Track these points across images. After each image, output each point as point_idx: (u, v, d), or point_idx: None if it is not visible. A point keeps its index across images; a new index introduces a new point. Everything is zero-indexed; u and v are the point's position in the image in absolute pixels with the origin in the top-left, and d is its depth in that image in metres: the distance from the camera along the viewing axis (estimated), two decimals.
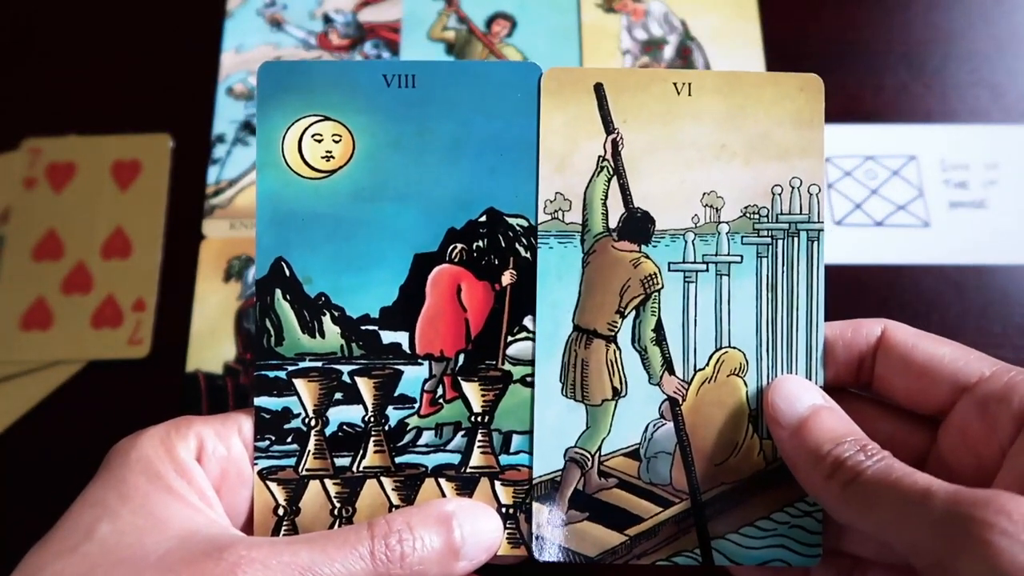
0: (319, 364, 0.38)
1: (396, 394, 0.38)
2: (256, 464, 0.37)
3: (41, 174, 0.56)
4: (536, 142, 0.37)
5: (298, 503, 0.37)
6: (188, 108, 0.57)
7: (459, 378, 0.38)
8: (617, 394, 0.37)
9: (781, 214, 0.37)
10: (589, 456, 0.37)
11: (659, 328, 0.37)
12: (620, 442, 0.37)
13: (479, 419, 0.37)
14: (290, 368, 0.38)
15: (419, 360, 0.38)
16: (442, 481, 0.37)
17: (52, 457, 0.50)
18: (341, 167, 0.37)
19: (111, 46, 0.60)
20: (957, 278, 0.52)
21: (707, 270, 0.37)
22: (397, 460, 0.37)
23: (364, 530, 0.33)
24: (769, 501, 0.37)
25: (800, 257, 0.37)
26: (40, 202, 0.56)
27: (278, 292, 0.38)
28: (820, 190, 0.37)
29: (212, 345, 0.51)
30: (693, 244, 0.37)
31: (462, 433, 0.38)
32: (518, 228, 0.38)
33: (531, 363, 0.37)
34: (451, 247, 0.37)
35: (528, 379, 0.37)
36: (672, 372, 0.37)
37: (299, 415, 0.37)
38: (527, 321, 0.37)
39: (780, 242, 0.37)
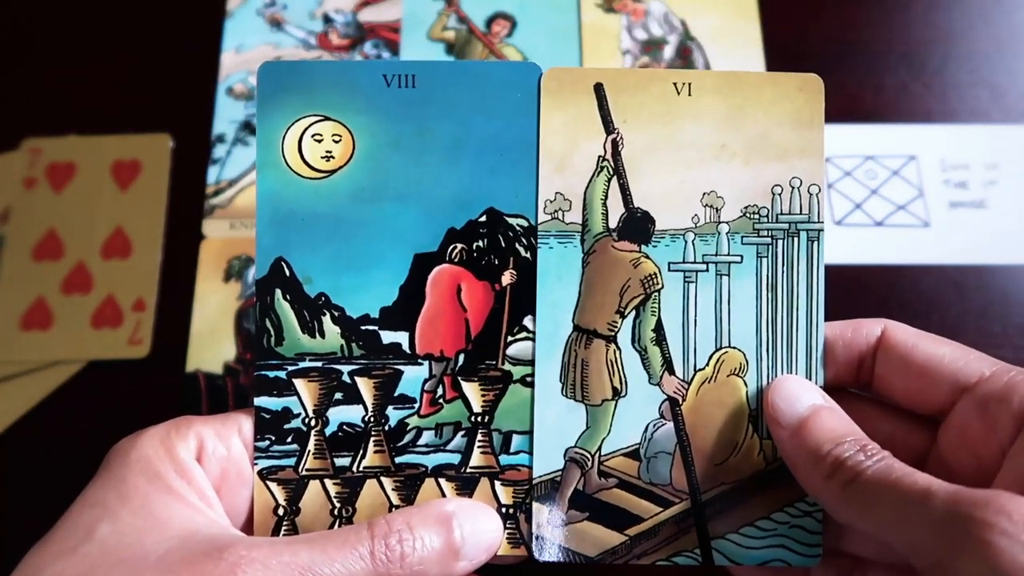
0: (319, 364, 0.38)
1: (396, 394, 0.38)
2: (256, 464, 0.37)
3: (41, 174, 0.56)
4: (536, 142, 0.37)
5: (298, 503, 0.37)
6: (188, 108, 0.57)
7: (459, 378, 0.38)
8: (617, 394, 0.37)
9: (781, 214, 0.37)
10: (589, 456, 0.37)
11: (659, 328, 0.37)
12: (620, 442, 0.37)
13: (479, 419, 0.37)
14: (290, 368, 0.38)
15: (419, 360, 0.38)
16: (442, 481, 0.37)
17: (52, 457, 0.50)
18: (341, 167, 0.37)
19: (111, 46, 0.60)
20: (957, 278, 0.52)
21: (707, 270, 0.37)
22: (397, 460, 0.37)
23: (364, 530, 0.33)
24: (769, 501, 0.37)
25: (800, 257, 0.37)
26: (40, 202, 0.56)
27: (278, 292, 0.38)
28: (820, 190, 0.37)
29: (212, 345, 0.51)
30: (693, 244, 0.37)
31: (462, 433, 0.38)
32: (518, 228, 0.38)
33: (531, 363, 0.37)
34: (451, 247, 0.37)
35: (528, 379, 0.37)
36: (672, 372, 0.37)
37: (299, 415, 0.37)
38: (527, 321, 0.37)
39: (780, 242, 0.37)
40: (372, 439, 0.38)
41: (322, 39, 0.59)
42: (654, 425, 0.37)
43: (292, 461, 0.37)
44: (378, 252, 0.37)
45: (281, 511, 0.37)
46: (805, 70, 0.38)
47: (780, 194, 0.37)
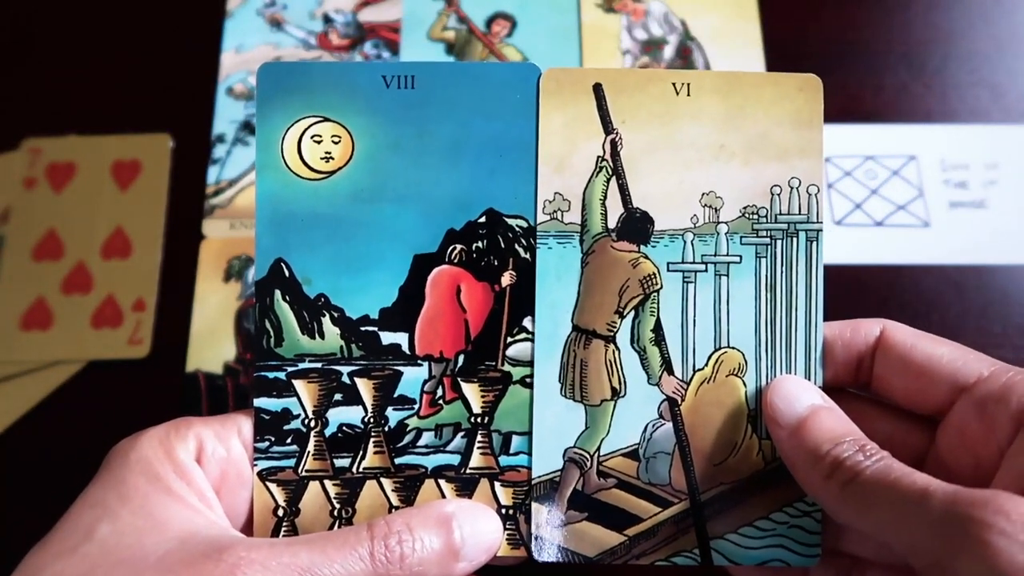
0: (319, 365, 0.38)
1: (396, 395, 0.38)
2: (256, 465, 0.37)
3: (41, 174, 0.56)
4: (535, 142, 0.37)
5: (298, 504, 0.37)
6: (188, 108, 0.57)
7: (459, 379, 0.38)
8: (616, 394, 0.37)
9: (780, 214, 0.37)
10: (588, 456, 0.37)
11: (658, 328, 0.37)
12: (619, 442, 0.37)
13: (479, 420, 0.37)
14: (290, 369, 0.38)
15: (419, 361, 0.38)
16: (442, 482, 0.37)
17: (52, 457, 0.50)
18: (340, 168, 0.37)
19: (111, 46, 0.60)
20: (957, 278, 0.52)
21: (706, 270, 0.37)
22: (397, 461, 0.37)
23: (364, 531, 0.33)
24: (768, 501, 0.37)
25: (799, 257, 0.37)
26: (40, 202, 0.56)
27: (278, 293, 0.38)
28: (819, 190, 0.37)
29: (212, 345, 0.51)
30: (692, 244, 0.37)
31: (462, 434, 0.38)
32: (517, 229, 0.38)
33: (531, 364, 0.37)
34: (450, 248, 0.37)
35: (528, 380, 0.37)
36: (671, 372, 0.37)
37: (299, 416, 0.37)
38: (526, 322, 0.37)
39: (779, 242, 0.37)
40: (372, 440, 0.38)
41: (322, 39, 0.59)
42: (653, 425, 0.37)
43: (292, 462, 0.37)
44: (378, 253, 0.37)
45: (281, 512, 0.37)
46: (805, 70, 0.38)
47: (779, 194, 0.37)
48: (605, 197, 0.37)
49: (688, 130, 0.37)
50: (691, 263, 0.37)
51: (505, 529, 0.37)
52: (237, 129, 0.56)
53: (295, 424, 0.37)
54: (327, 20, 0.59)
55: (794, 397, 0.35)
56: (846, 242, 0.53)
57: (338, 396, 0.38)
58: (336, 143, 0.37)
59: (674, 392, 0.37)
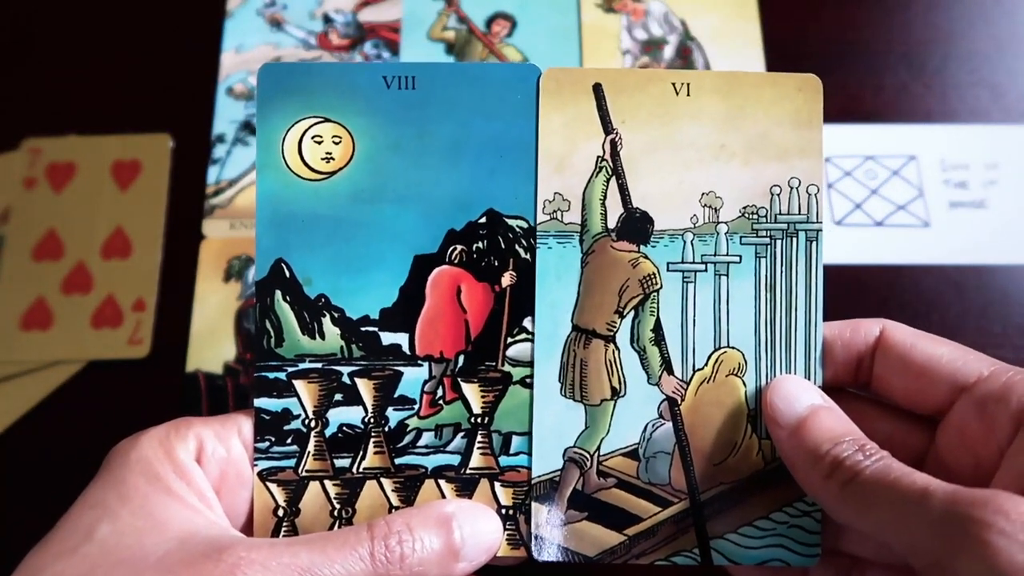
0: (319, 365, 0.38)
1: (396, 395, 0.38)
2: (256, 465, 0.37)
3: (41, 174, 0.56)
4: (535, 143, 0.37)
5: (298, 504, 0.37)
6: (188, 108, 0.57)
7: (459, 379, 0.38)
8: (616, 394, 0.37)
9: (780, 214, 0.37)
10: (588, 456, 0.37)
11: (658, 328, 0.37)
12: (619, 442, 0.37)
13: (479, 420, 0.37)
14: (290, 369, 0.38)
15: (419, 361, 0.38)
16: (442, 482, 0.37)
17: (52, 457, 0.50)
18: (341, 169, 0.37)
19: (111, 46, 0.60)
20: (957, 278, 0.52)
21: (706, 270, 0.37)
22: (397, 461, 0.37)
23: (364, 531, 0.33)
24: (768, 501, 0.37)
25: (799, 257, 0.37)
26: (40, 202, 0.56)
27: (278, 293, 0.38)
28: (819, 190, 0.37)
29: (212, 345, 0.51)
30: (692, 244, 0.37)
31: (462, 434, 0.38)
32: (517, 229, 0.38)
33: (531, 364, 0.37)
34: (451, 248, 0.37)
35: (528, 380, 0.37)
36: (671, 372, 0.37)
37: (299, 416, 0.37)
38: (527, 322, 0.37)
39: (779, 242, 0.37)
40: (372, 440, 0.38)
41: (322, 39, 0.59)
42: (653, 425, 0.37)
43: (292, 462, 0.37)
44: (378, 253, 0.37)
45: (281, 512, 0.37)
46: (805, 70, 0.38)
47: (779, 194, 0.37)
48: (605, 197, 0.37)
49: (688, 130, 0.37)
50: (691, 263, 0.37)
51: (505, 529, 0.37)
52: (237, 129, 0.56)
53: (295, 424, 0.37)
54: (327, 20, 0.59)
55: (794, 397, 0.35)
56: (846, 242, 0.53)
57: (338, 396, 0.38)
58: (337, 143, 0.37)
59: (674, 392, 0.37)
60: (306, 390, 0.38)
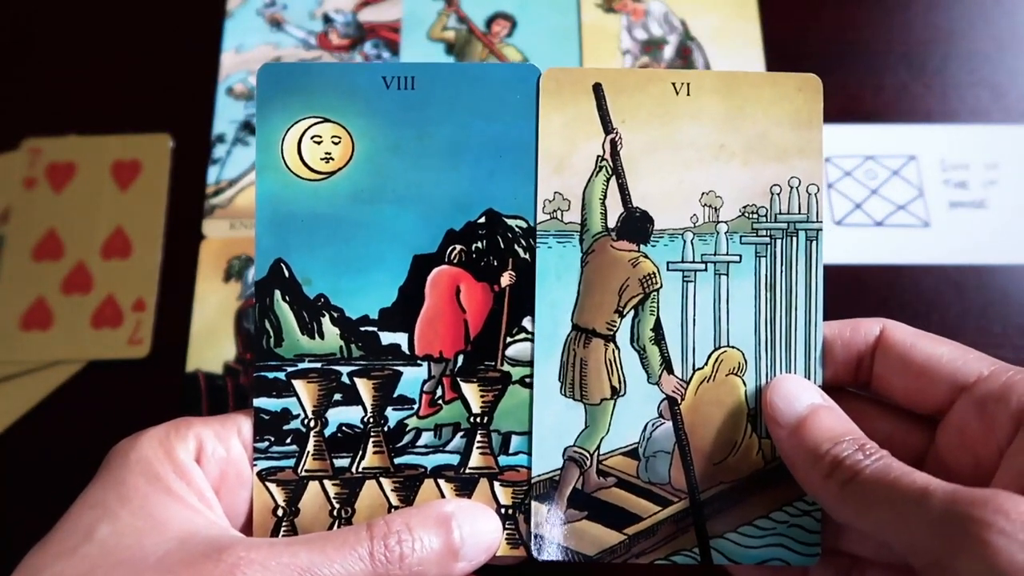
0: (318, 365, 0.38)
1: (395, 395, 0.38)
2: (255, 465, 0.37)
3: (41, 174, 0.56)
4: (535, 143, 0.37)
5: (297, 504, 0.37)
6: (188, 108, 0.57)
7: (458, 379, 0.38)
8: (616, 393, 0.37)
9: (780, 214, 0.37)
10: (588, 455, 0.37)
11: (658, 327, 0.37)
12: (619, 441, 0.37)
13: (478, 420, 0.37)
14: (289, 369, 0.38)
15: (418, 361, 0.38)
16: (441, 482, 0.37)
17: (52, 457, 0.50)
18: (340, 169, 0.37)
19: (111, 46, 0.60)
20: (957, 278, 0.52)
21: (706, 269, 0.37)
22: (396, 461, 0.37)
23: (363, 531, 0.33)
24: (768, 500, 0.37)
25: (799, 257, 0.37)
26: (40, 202, 0.56)
27: (277, 293, 0.38)
28: (819, 190, 0.37)
29: (212, 345, 0.51)
30: (692, 244, 0.37)
31: (461, 434, 0.38)
32: (517, 229, 0.38)
33: (530, 364, 0.37)
34: (450, 248, 0.37)
35: (527, 380, 0.37)
36: (671, 371, 0.37)
37: (298, 416, 0.37)
38: (526, 322, 0.37)
39: (779, 242, 0.37)
40: (371, 440, 0.38)
41: (322, 39, 0.59)
42: (653, 424, 0.37)
43: (291, 462, 0.37)
44: (377, 253, 0.37)
45: (280, 512, 0.37)
46: (805, 70, 0.38)
47: (779, 194, 0.37)
48: (605, 196, 0.37)
49: (688, 130, 0.37)
50: (691, 262, 0.37)
51: (504, 529, 0.37)
52: (237, 129, 0.56)
53: (295, 424, 0.37)
54: (327, 20, 0.59)
55: (794, 396, 0.35)
56: (846, 242, 0.53)
57: (338, 396, 0.38)
58: (336, 144, 0.37)
59: (674, 391, 0.37)
60: (305, 390, 0.38)
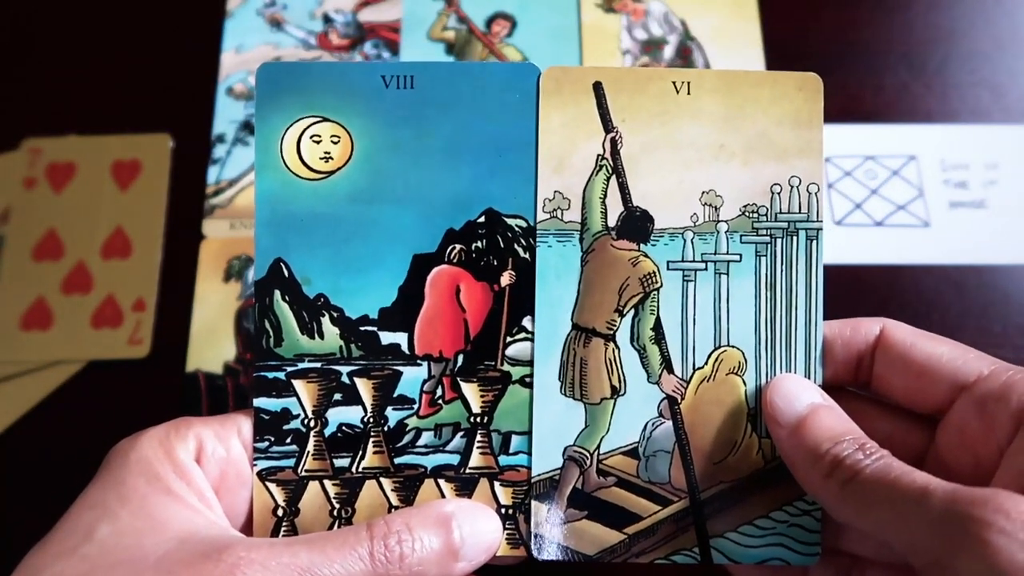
0: (318, 365, 0.38)
1: (395, 395, 0.38)
2: (255, 465, 0.37)
3: (41, 174, 0.56)
4: (535, 143, 0.37)
5: (297, 504, 0.37)
6: (188, 108, 0.57)
7: (458, 379, 0.38)
8: (616, 393, 0.37)
9: (780, 213, 0.37)
10: (588, 454, 0.37)
11: (658, 327, 0.37)
12: (619, 440, 0.37)
13: (478, 420, 0.37)
14: (289, 369, 0.38)
15: (418, 361, 0.38)
16: (441, 482, 0.37)
17: (52, 457, 0.50)
18: (340, 168, 0.37)
19: (111, 46, 0.60)
20: (957, 278, 0.52)
21: (706, 269, 0.37)
22: (396, 461, 0.37)
23: (363, 531, 0.33)
24: (768, 500, 0.37)
25: (799, 256, 0.37)
26: (40, 202, 0.56)
27: (277, 293, 0.38)
28: (819, 189, 0.37)
29: (212, 345, 0.51)
30: (692, 243, 0.37)
31: (461, 434, 0.38)
32: (517, 229, 0.38)
33: (530, 364, 0.37)
34: (450, 248, 0.37)
35: (527, 380, 0.37)
36: (671, 371, 0.37)
37: (298, 416, 0.37)
38: (526, 322, 0.37)
39: (779, 241, 0.37)
40: (371, 440, 0.38)
41: (322, 39, 0.59)
42: (653, 424, 0.37)
43: (291, 462, 0.37)
44: (377, 253, 0.37)
45: (280, 512, 0.37)
46: (805, 70, 0.38)
47: (779, 193, 0.37)
48: (605, 196, 0.37)
49: (688, 129, 0.37)
50: (691, 261, 0.37)
51: (505, 529, 0.37)
52: (237, 129, 0.56)
53: (295, 424, 0.37)
54: (327, 20, 0.59)
55: (794, 396, 0.35)
56: (846, 242, 0.53)
57: (338, 396, 0.38)
58: (335, 143, 0.37)
59: (674, 390, 0.37)
60: (305, 390, 0.38)
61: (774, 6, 0.59)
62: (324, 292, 0.37)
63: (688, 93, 0.37)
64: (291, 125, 0.37)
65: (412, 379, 0.38)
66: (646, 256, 0.37)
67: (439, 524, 0.34)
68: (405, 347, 0.38)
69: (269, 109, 0.37)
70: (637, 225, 0.37)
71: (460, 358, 0.38)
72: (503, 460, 0.37)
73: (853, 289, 0.52)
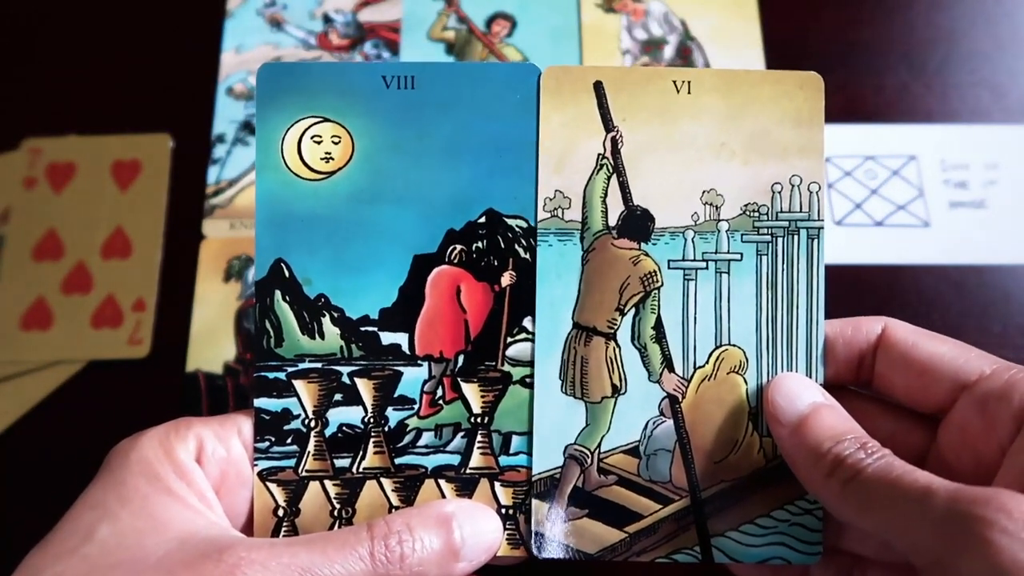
0: (319, 365, 0.38)
1: (396, 395, 0.38)
2: (256, 465, 0.37)
3: (41, 174, 0.56)
4: (535, 143, 0.37)
5: (298, 504, 0.37)
6: (188, 108, 0.57)
7: (459, 379, 0.38)
8: (617, 391, 0.37)
9: (781, 212, 0.37)
10: (589, 453, 0.37)
11: (659, 325, 0.37)
12: (620, 439, 0.37)
13: (479, 420, 0.37)
14: (290, 369, 0.38)
15: (419, 361, 0.38)
16: (442, 482, 0.37)
17: (52, 457, 0.50)
18: (340, 168, 0.37)
19: (111, 46, 0.60)
20: (957, 278, 0.52)
21: (707, 268, 0.37)
22: (397, 461, 0.37)
23: (364, 531, 0.33)
24: (769, 499, 0.37)
25: (800, 255, 0.37)
26: (40, 202, 0.56)
27: (277, 293, 0.38)
28: (820, 188, 0.37)
29: (212, 345, 0.51)
30: (693, 242, 0.37)
31: (462, 434, 0.38)
32: (517, 229, 0.38)
33: (530, 364, 0.37)
34: (450, 248, 0.37)
35: (528, 380, 0.37)
36: (672, 369, 0.37)
37: (299, 416, 0.37)
38: (526, 322, 0.37)
39: (780, 240, 0.37)
40: (372, 440, 0.37)
41: (322, 39, 0.59)
42: (654, 422, 0.37)
43: (292, 462, 0.37)
44: (377, 253, 0.37)
45: (281, 512, 0.37)
46: (805, 70, 0.38)
47: (780, 192, 0.37)
48: (606, 195, 0.37)
49: (689, 128, 0.37)
50: (692, 260, 0.37)
51: (505, 529, 0.37)
52: (237, 129, 0.56)
53: (295, 424, 0.37)
54: (327, 20, 0.59)
55: (795, 395, 0.35)
56: (846, 242, 0.53)
57: (338, 396, 0.38)
58: (336, 143, 0.37)
59: (675, 389, 0.37)
60: (306, 390, 0.38)
61: (774, 6, 0.59)
62: (325, 292, 0.37)
63: (689, 92, 0.37)
64: (292, 125, 0.37)
65: (412, 379, 0.38)
66: (647, 255, 0.37)
67: (440, 524, 0.34)
68: (406, 347, 0.37)
69: (269, 109, 0.37)
70: (638, 224, 0.37)
71: (460, 358, 0.38)
72: (503, 460, 0.37)
73: (853, 289, 0.52)
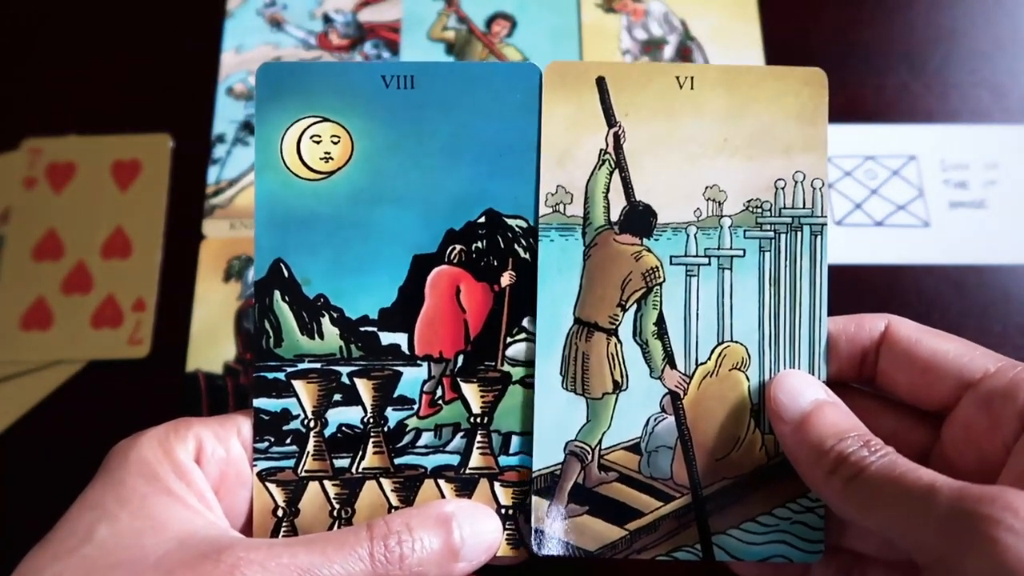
0: (318, 365, 0.38)
1: (395, 395, 0.37)
2: (255, 465, 0.37)
3: (41, 174, 0.56)
4: (535, 143, 0.37)
5: (297, 504, 0.37)
6: (188, 108, 0.57)
7: (458, 379, 0.37)
8: (618, 387, 0.37)
9: (784, 208, 0.37)
10: (589, 450, 0.37)
11: (661, 322, 0.37)
12: (621, 436, 0.37)
13: (478, 420, 0.37)
14: (289, 369, 0.38)
15: (418, 361, 0.37)
16: (441, 482, 0.37)
17: (52, 457, 0.50)
18: (340, 168, 0.37)
19: (111, 46, 0.60)
20: (957, 278, 0.52)
21: (709, 264, 0.37)
22: (396, 461, 0.37)
23: (363, 531, 0.33)
24: (771, 496, 0.37)
25: (803, 251, 0.37)
26: (40, 202, 0.56)
27: (277, 293, 0.37)
28: (823, 184, 0.37)
29: (212, 345, 0.51)
30: (695, 238, 0.37)
31: (461, 434, 0.37)
32: (517, 229, 0.37)
33: (530, 364, 0.37)
34: (450, 248, 0.37)
35: (527, 380, 0.37)
36: (673, 366, 0.37)
37: (298, 416, 0.37)
38: (526, 322, 0.37)
39: (783, 236, 0.37)
40: (371, 440, 0.37)
41: (322, 39, 0.59)
42: (655, 419, 0.37)
43: (291, 462, 0.37)
44: (377, 253, 0.37)
45: (280, 512, 0.37)
46: None
47: (783, 188, 0.37)
48: (608, 190, 0.37)
49: (691, 124, 0.37)
50: (694, 256, 0.37)
51: (505, 529, 0.37)
52: (237, 129, 0.56)
53: (294, 424, 0.37)
54: (327, 20, 0.59)
55: (798, 392, 0.35)
56: (846, 242, 0.53)
57: (337, 396, 0.37)
58: (335, 143, 0.37)
59: (676, 386, 0.37)
60: (305, 390, 0.37)
61: (774, 6, 0.59)
62: (324, 292, 0.37)
63: (691, 88, 0.37)
64: (291, 125, 0.37)
65: (412, 379, 0.37)
66: (649, 251, 0.37)
67: (439, 524, 0.34)
68: (405, 347, 0.37)
69: (269, 109, 0.37)
70: (640, 220, 0.37)
71: (460, 358, 0.37)
72: (503, 460, 0.37)
73: (853, 289, 0.52)
